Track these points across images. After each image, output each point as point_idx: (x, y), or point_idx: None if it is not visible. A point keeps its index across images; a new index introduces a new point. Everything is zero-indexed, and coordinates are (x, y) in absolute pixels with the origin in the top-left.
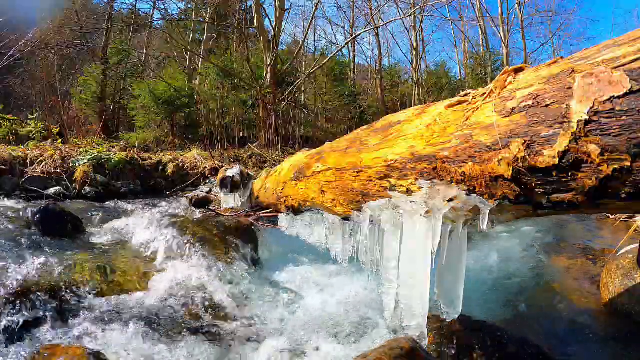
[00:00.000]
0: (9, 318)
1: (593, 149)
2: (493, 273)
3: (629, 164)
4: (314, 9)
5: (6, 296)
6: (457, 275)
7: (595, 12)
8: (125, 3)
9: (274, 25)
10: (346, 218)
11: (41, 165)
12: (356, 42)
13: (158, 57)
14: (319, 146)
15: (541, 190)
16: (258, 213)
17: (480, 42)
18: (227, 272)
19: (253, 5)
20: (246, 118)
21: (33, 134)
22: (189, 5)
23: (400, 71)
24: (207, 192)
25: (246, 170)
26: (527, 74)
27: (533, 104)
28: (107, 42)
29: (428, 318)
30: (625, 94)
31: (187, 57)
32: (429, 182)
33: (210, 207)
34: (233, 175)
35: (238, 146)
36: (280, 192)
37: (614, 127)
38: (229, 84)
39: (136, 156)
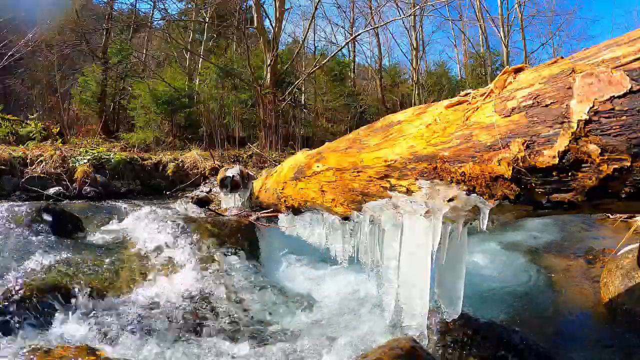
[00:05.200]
0: (9, 317)
1: (593, 148)
2: (493, 273)
3: (629, 163)
4: (313, 9)
5: (6, 295)
6: (457, 275)
7: (595, 12)
8: (125, 3)
9: (274, 25)
10: (346, 218)
11: (41, 165)
12: (356, 42)
13: (158, 57)
14: (319, 146)
15: (541, 190)
16: (258, 213)
17: (480, 42)
18: (227, 273)
19: (253, 5)
20: (246, 118)
21: (33, 134)
22: (189, 5)
23: (400, 71)
24: (207, 192)
25: (246, 170)
26: (527, 73)
27: (533, 103)
28: (107, 42)
29: (428, 318)
30: (625, 94)
31: (187, 57)
32: (429, 182)
33: (210, 207)
34: (233, 175)
35: (238, 146)
36: (280, 192)
37: (614, 127)
38: (229, 84)
39: (136, 156)
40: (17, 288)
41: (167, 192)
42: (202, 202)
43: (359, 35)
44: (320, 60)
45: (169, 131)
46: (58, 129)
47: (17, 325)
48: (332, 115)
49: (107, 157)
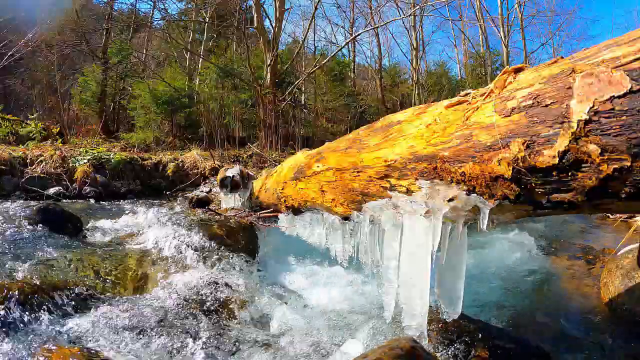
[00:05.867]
0: (9, 316)
1: (593, 148)
2: (493, 273)
3: (629, 163)
4: (313, 9)
5: (5, 295)
6: (457, 275)
7: (595, 12)
8: (125, 3)
9: (274, 25)
10: (346, 218)
11: (41, 165)
12: (356, 42)
13: (158, 57)
14: (319, 146)
15: (541, 190)
16: (258, 213)
17: (480, 42)
18: (227, 273)
19: (253, 5)
20: (246, 118)
21: (33, 134)
22: (189, 5)
23: (400, 71)
24: (207, 192)
25: (246, 170)
26: (527, 73)
27: (533, 103)
28: (107, 42)
29: (428, 318)
30: (625, 94)
31: (187, 57)
32: (429, 182)
33: (210, 207)
34: (233, 175)
35: (238, 146)
36: (280, 192)
37: (614, 127)
38: (229, 84)
39: (136, 156)
40: (16, 288)
41: (167, 192)
42: (202, 202)
43: (359, 35)
44: (320, 60)
45: (169, 131)
46: (58, 129)
47: (17, 325)
48: (332, 115)
49: (107, 157)
